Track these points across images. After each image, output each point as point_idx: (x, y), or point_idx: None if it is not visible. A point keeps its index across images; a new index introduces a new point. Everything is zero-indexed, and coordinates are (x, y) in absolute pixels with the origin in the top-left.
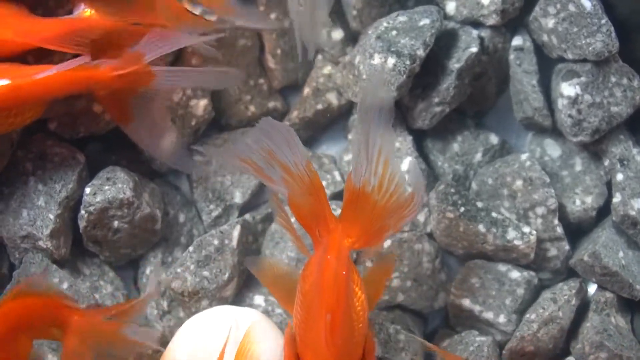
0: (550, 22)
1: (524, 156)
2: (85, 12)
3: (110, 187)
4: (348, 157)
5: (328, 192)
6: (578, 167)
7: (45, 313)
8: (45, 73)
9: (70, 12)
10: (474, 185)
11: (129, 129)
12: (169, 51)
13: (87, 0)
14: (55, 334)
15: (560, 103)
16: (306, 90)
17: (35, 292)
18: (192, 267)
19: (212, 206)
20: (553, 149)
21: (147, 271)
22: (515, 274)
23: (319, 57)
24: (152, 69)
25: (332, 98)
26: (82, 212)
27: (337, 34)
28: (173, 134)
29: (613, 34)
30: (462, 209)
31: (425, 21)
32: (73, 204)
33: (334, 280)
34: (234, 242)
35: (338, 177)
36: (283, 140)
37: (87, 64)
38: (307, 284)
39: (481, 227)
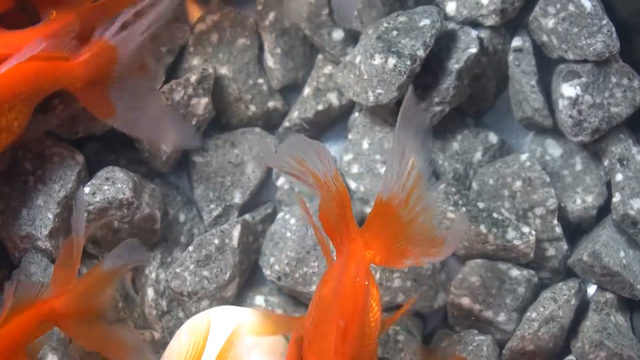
0: (550, 23)
1: (523, 156)
2: (52, 14)
3: (110, 187)
4: (348, 156)
5: None
6: (578, 167)
7: (31, 324)
8: (5, 66)
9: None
10: (474, 185)
11: (117, 122)
12: (121, 22)
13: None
14: (45, 328)
15: (561, 103)
16: (307, 91)
17: (17, 309)
18: (191, 266)
19: (212, 205)
20: (554, 149)
21: (147, 271)
22: (515, 272)
23: (319, 56)
24: (110, 42)
25: (333, 98)
26: None
27: (338, 34)
28: (168, 114)
29: (614, 34)
30: (463, 210)
31: (425, 21)
32: (72, 204)
33: (353, 289)
34: (235, 242)
35: None
36: (314, 151)
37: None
38: (326, 289)
39: (482, 228)
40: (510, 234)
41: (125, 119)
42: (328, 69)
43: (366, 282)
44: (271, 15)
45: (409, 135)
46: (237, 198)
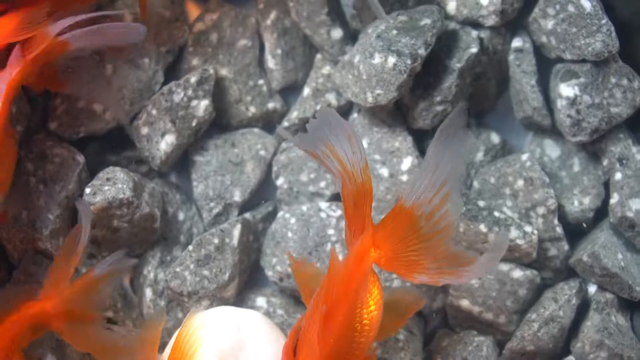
0: (550, 23)
1: (524, 156)
2: None
3: (110, 187)
4: None
5: (328, 192)
6: (576, 168)
7: (23, 326)
8: None
9: None
10: (476, 184)
11: (69, 91)
12: (72, 22)
13: None
14: (39, 331)
15: (559, 103)
16: (306, 91)
17: (9, 311)
18: (191, 266)
19: (212, 204)
20: (552, 149)
21: (145, 271)
22: (517, 273)
23: (318, 56)
24: (62, 38)
25: (332, 98)
26: None
27: (336, 33)
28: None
29: (613, 34)
30: (463, 209)
31: (426, 21)
32: (73, 205)
33: (343, 277)
34: (235, 241)
35: None
36: (345, 135)
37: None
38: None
39: (482, 227)
40: (513, 233)
41: (73, 88)
42: (327, 69)
43: (360, 275)
44: (273, 15)
45: (447, 148)
46: (237, 196)
